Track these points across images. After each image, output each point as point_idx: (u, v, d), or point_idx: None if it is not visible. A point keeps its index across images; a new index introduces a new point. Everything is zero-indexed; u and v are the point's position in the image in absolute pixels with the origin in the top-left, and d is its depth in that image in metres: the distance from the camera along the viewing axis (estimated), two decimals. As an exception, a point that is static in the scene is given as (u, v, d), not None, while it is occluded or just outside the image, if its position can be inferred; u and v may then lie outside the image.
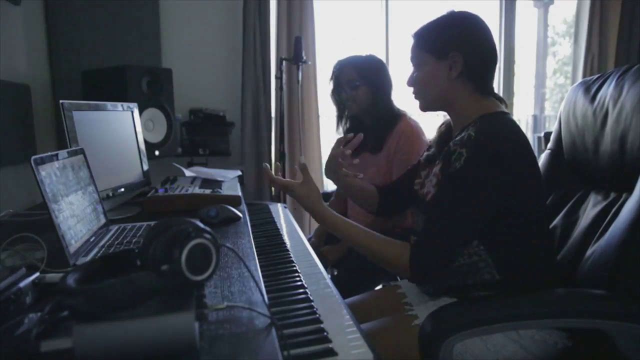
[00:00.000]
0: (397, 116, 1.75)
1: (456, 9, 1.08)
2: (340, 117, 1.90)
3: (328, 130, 2.93)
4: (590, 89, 1.17)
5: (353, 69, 1.74)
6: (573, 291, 0.99)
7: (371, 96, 1.73)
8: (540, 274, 1.02)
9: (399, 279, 1.49)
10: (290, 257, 1.19)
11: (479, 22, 1.06)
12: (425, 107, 1.12)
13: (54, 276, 0.82)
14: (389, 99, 1.77)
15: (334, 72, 1.81)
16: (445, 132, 1.16)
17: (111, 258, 0.70)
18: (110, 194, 1.49)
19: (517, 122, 1.03)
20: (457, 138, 1.00)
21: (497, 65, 1.13)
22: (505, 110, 1.06)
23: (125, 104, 1.72)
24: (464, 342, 0.94)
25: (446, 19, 1.07)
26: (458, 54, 1.02)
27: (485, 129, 0.96)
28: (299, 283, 1.00)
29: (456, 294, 1.04)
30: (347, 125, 1.90)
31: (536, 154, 1.05)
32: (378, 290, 1.61)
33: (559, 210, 1.19)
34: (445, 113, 1.14)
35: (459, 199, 0.96)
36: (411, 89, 1.12)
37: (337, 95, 1.82)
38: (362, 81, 1.72)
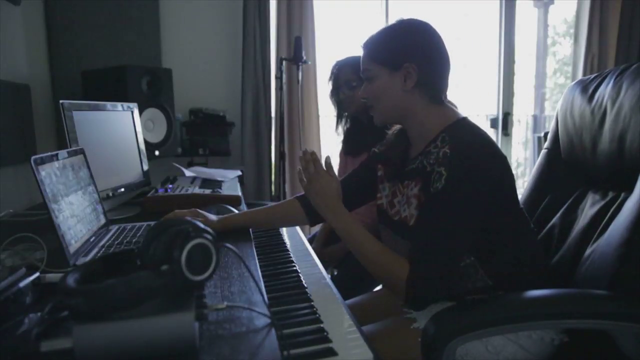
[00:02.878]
0: None
1: (405, 17, 1.06)
2: (339, 117, 1.92)
3: (328, 130, 2.94)
4: (587, 88, 1.17)
5: (351, 70, 1.76)
6: (576, 292, 0.99)
7: None
8: (534, 276, 1.02)
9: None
10: (290, 257, 1.19)
11: (430, 31, 1.03)
12: (381, 121, 1.09)
13: (54, 276, 0.83)
14: None
15: (332, 72, 1.84)
16: (401, 141, 1.13)
17: (111, 258, 0.71)
18: (110, 194, 1.49)
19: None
20: (432, 158, 0.97)
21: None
22: (464, 115, 1.05)
23: (125, 104, 1.72)
24: (464, 345, 0.94)
25: (397, 29, 1.04)
26: (412, 65, 0.99)
27: (459, 144, 0.94)
28: (299, 283, 1.00)
29: (451, 299, 1.03)
30: (348, 125, 1.92)
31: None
32: (376, 292, 1.61)
33: (556, 209, 1.19)
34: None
35: (447, 219, 0.93)
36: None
37: (336, 95, 1.85)
38: (359, 82, 1.73)
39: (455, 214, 0.93)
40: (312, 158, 1.07)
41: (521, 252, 1.01)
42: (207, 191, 1.58)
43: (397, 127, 1.17)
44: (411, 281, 0.91)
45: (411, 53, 1.01)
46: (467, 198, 0.93)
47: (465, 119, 1.03)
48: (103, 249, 1.09)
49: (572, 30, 3.39)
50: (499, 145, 3.31)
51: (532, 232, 1.08)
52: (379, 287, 1.70)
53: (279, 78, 2.49)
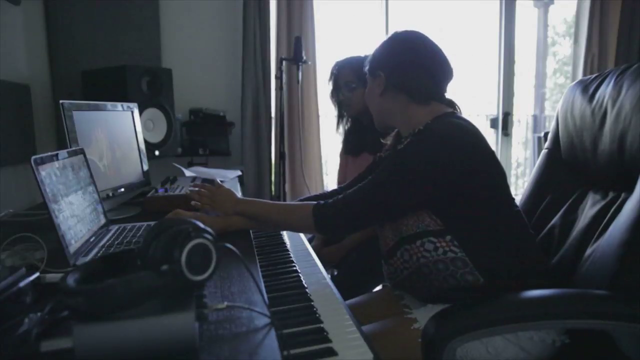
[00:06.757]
0: None
1: (400, 30, 1.16)
2: (340, 117, 1.92)
3: (328, 130, 2.94)
4: (588, 89, 1.17)
5: (351, 71, 1.75)
6: (576, 292, 0.98)
7: None
8: (532, 276, 1.01)
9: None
10: (290, 257, 1.19)
11: (410, 39, 1.13)
12: (377, 123, 1.21)
13: (54, 276, 0.83)
14: None
15: (332, 73, 1.83)
16: (399, 142, 1.17)
17: (111, 258, 0.70)
18: (110, 194, 1.49)
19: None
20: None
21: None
22: (455, 111, 1.10)
23: (125, 104, 1.72)
24: (464, 346, 0.94)
25: (385, 41, 1.16)
26: (381, 73, 1.12)
27: (433, 125, 1.03)
28: (299, 283, 1.00)
29: (449, 295, 1.03)
30: (349, 125, 1.92)
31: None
32: (376, 292, 1.61)
33: (557, 210, 1.19)
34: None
35: (385, 176, 1.02)
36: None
37: (336, 96, 1.84)
38: (358, 83, 1.73)
39: (396, 175, 1.01)
40: (197, 191, 1.26)
41: (515, 251, 1.01)
42: (207, 191, 1.58)
43: (396, 130, 1.19)
44: (317, 208, 1.06)
45: (383, 63, 1.13)
46: (415, 167, 0.99)
47: (452, 113, 1.08)
48: (103, 249, 1.09)
49: (572, 30, 3.39)
50: (499, 144, 3.31)
51: (529, 232, 1.08)
52: (379, 287, 1.71)
53: (279, 78, 2.48)
